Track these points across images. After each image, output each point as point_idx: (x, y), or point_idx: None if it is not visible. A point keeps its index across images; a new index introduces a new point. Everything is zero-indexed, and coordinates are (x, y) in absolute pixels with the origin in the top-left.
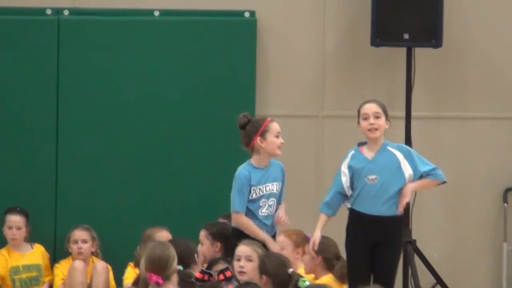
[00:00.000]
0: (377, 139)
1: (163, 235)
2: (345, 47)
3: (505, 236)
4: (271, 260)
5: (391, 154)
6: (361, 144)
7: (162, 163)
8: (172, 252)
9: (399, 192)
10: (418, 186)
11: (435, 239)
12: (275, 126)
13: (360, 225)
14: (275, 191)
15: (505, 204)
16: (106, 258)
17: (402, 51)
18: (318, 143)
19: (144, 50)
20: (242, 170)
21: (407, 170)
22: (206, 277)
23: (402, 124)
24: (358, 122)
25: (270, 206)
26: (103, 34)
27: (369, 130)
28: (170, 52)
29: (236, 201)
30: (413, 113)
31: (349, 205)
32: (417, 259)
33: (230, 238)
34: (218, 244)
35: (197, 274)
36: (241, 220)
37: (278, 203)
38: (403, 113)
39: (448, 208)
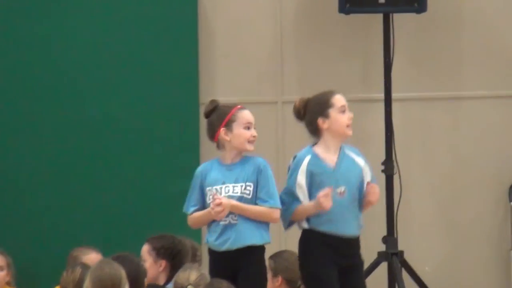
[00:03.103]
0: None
1: (91, 257)
2: (307, 16)
3: None
4: None
5: (351, 159)
6: (313, 146)
7: (91, 164)
8: (123, 271)
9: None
10: None
11: (426, 249)
12: (244, 115)
13: (328, 249)
14: (239, 194)
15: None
16: None
17: (378, 18)
18: (278, 134)
19: (81, 28)
20: (200, 166)
21: (367, 178)
22: None
23: (380, 108)
24: (323, 116)
25: (232, 213)
26: None
27: (348, 126)
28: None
29: (185, 202)
30: (394, 95)
31: (306, 226)
32: (405, 274)
33: (178, 255)
34: (163, 262)
35: None
36: (190, 222)
37: None
38: (381, 95)
39: (442, 211)
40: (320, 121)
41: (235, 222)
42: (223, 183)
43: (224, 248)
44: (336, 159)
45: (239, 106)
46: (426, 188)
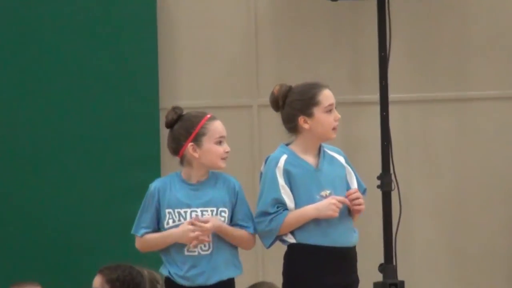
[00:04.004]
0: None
1: None
2: (287, 4)
3: None
4: None
5: (334, 159)
6: (287, 145)
7: (31, 178)
8: None
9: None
10: None
11: (430, 279)
12: (216, 127)
13: (320, 265)
14: None
15: None
16: None
17: (371, 6)
18: (253, 143)
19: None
20: (156, 180)
21: (353, 183)
22: None
23: (375, 112)
24: (305, 115)
25: (201, 242)
26: None
27: (334, 128)
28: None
29: (135, 222)
30: (391, 96)
31: (292, 240)
32: None
33: None
34: None
35: None
36: (140, 245)
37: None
38: (376, 97)
39: (449, 234)
40: (301, 119)
41: (206, 252)
42: (189, 206)
43: (197, 283)
44: (318, 159)
45: (208, 116)
46: (430, 206)
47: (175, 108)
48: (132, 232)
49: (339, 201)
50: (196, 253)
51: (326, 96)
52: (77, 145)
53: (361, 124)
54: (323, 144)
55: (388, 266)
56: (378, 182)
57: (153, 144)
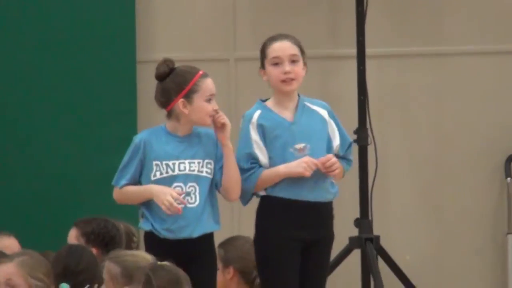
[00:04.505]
0: (292, 93)
1: (5, 243)
2: None
3: (509, 226)
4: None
5: (314, 113)
6: (263, 102)
7: (11, 135)
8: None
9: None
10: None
11: (407, 234)
12: (208, 85)
13: (289, 218)
14: (196, 172)
15: (509, 179)
16: None
17: None
18: (230, 97)
19: None
20: (142, 132)
21: (336, 137)
22: None
23: (352, 66)
24: (262, 68)
25: (188, 194)
26: None
27: (284, 81)
28: None
29: (117, 173)
30: (368, 50)
31: (263, 192)
32: (381, 263)
33: (111, 241)
34: (94, 250)
35: None
36: (118, 196)
37: (210, 191)
38: (353, 51)
39: (425, 189)
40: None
41: (193, 205)
42: (177, 158)
43: (181, 236)
44: (294, 112)
45: (201, 72)
46: (407, 161)
47: (166, 61)
48: (113, 183)
49: (312, 163)
50: (181, 205)
51: (272, 48)
52: (54, 99)
53: (339, 79)
54: (304, 98)
55: (363, 220)
56: (355, 137)
57: (130, 97)
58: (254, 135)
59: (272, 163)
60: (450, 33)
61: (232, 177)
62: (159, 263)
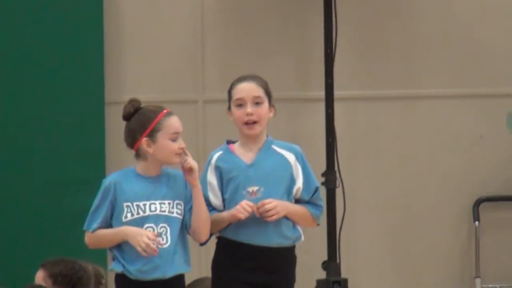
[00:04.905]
0: (257, 136)
1: None
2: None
3: (477, 270)
4: None
5: (279, 156)
6: (230, 143)
7: None
8: None
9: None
10: (294, 211)
11: (375, 277)
12: (172, 123)
13: (240, 262)
14: (167, 213)
15: (477, 223)
16: None
17: (319, 0)
18: (198, 138)
19: None
20: (111, 175)
21: (298, 180)
22: None
23: (320, 109)
24: (229, 109)
25: (160, 235)
26: None
27: (246, 123)
28: None
29: (88, 218)
30: (337, 93)
31: (217, 233)
32: None
33: (78, 283)
34: None
35: None
36: (90, 240)
37: (181, 232)
38: (321, 94)
39: (393, 232)
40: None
41: (165, 246)
42: (148, 199)
43: (154, 276)
44: (256, 155)
45: (165, 111)
46: (375, 204)
47: (132, 101)
48: (84, 228)
49: (248, 206)
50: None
51: (236, 89)
52: (21, 139)
53: (307, 121)
54: (273, 141)
55: (331, 263)
56: (323, 179)
57: (98, 138)
58: (210, 177)
59: (226, 205)
60: (419, 76)
61: (201, 218)
62: None
